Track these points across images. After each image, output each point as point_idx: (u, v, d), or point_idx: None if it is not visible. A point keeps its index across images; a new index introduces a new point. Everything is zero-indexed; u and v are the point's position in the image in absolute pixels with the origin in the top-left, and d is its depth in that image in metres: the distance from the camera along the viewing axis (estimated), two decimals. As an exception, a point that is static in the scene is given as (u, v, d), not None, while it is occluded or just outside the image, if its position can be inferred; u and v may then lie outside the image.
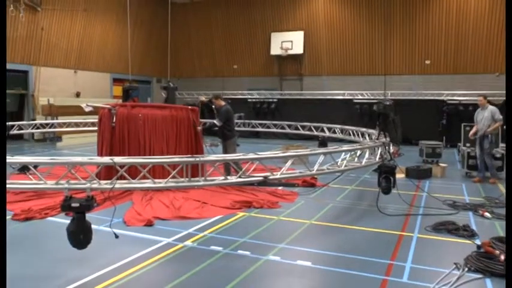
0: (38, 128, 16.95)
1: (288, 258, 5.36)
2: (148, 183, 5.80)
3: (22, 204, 7.61)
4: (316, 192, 9.23)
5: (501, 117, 10.27)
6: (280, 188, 9.37)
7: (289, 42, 24.40)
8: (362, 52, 23.52)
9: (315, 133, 15.97)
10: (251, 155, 6.51)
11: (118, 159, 5.68)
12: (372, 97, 21.24)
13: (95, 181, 5.45)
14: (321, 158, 7.04)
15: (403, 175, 10.69)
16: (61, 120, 18.08)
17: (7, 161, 5.68)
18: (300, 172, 6.91)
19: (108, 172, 7.46)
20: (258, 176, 6.41)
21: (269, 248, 5.72)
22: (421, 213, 7.57)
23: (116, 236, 5.19)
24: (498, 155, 10.65)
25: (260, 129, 18.94)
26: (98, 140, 9.78)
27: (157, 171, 7.59)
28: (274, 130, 18.38)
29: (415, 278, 4.81)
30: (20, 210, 7.24)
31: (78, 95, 22.23)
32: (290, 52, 24.41)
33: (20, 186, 5.82)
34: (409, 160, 13.04)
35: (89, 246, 4.79)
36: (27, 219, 6.96)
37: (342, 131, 14.41)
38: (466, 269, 4.96)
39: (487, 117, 10.31)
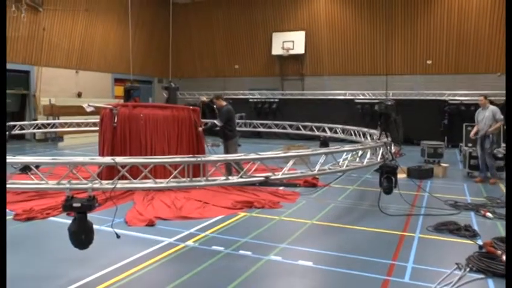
0: (39, 128, 16.98)
1: (290, 258, 5.35)
2: (149, 183, 5.81)
3: (24, 204, 7.62)
4: (317, 192, 9.22)
5: (502, 117, 10.25)
6: (281, 188, 9.36)
7: (290, 42, 24.40)
8: (363, 52, 23.51)
9: (317, 133, 15.95)
10: (252, 155, 6.51)
11: (119, 159, 5.68)
12: (373, 97, 21.22)
13: (96, 181, 5.45)
14: (323, 158, 7.03)
15: (404, 175, 10.70)
16: (62, 120, 18.11)
17: (9, 161, 5.70)
18: (302, 172, 6.90)
19: (109, 172, 7.45)
20: (260, 176, 6.41)
21: (270, 248, 5.72)
22: (422, 214, 7.56)
23: (118, 236, 5.20)
24: (500, 155, 10.63)
25: (261, 129, 18.93)
26: (99, 140, 9.79)
27: (159, 171, 7.59)
28: (276, 130, 18.37)
29: (417, 278, 4.81)
30: (22, 210, 7.26)
31: (79, 95, 22.26)
32: (291, 52, 24.41)
33: (21, 186, 5.82)
34: (410, 160, 13.03)
35: (91, 246, 4.80)
36: (28, 219, 6.97)
37: (343, 131, 14.39)
38: (468, 269, 4.95)
39: (488, 117, 10.29)
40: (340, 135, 14.49)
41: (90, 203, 4.73)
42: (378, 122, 11.62)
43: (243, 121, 19.06)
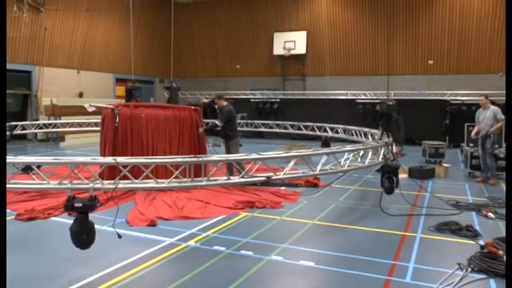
0: (41, 128, 17.00)
1: (291, 259, 5.35)
2: (151, 183, 5.81)
3: (25, 204, 7.64)
4: (318, 192, 9.22)
5: (503, 117, 10.22)
6: (283, 188, 9.36)
7: (292, 42, 24.40)
8: (365, 52, 23.50)
9: (318, 133, 15.96)
10: (254, 155, 6.51)
11: (121, 159, 5.69)
12: (374, 97, 21.22)
13: (98, 181, 5.45)
14: (324, 158, 7.03)
15: (406, 175, 10.69)
16: (64, 120, 18.13)
17: (11, 161, 5.71)
18: (303, 172, 6.90)
19: (111, 172, 7.46)
20: (261, 176, 6.41)
21: (272, 248, 5.72)
22: (424, 214, 7.55)
23: (119, 236, 5.20)
24: (501, 155, 10.61)
25: (263, 129, 18.94)
26: (100, 140, 9.80)
27: (160, 171, 7.59)
28: (277, 130, 18.37)
29: (418, 278, 4.80)
30: (23, 210, 7.27)
31: (81, 95, 22.28)
32: (293, 52, 24.40)
33: (23, 186, 5.83)
34: (412, 160, 13.02)
35: (92, 246, 4.80)
36: (30, 219, 6.98)
37: (344, 131, 14.40)
38: (470, 269, 4.95)
39: (489, 117, 10.26)
40: (342, 135, 14.50)
41: (92, 203, 4.73)
42: (380, 122, 11.60)
43: (245, 121, 19.07)
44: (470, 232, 6.33)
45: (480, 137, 10.45)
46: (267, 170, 6.67)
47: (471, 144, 11.65)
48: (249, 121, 19.23)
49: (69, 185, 5.27)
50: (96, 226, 4.85)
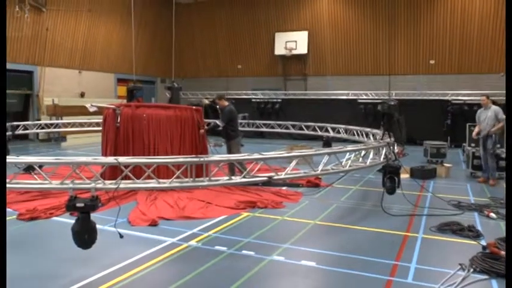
0: (42, 128, 17.01)
1: (292, 259, 5.35)
2: (152, 183, 5.81)
3: (27, 204, 7.65)
4: (320, 193, 9.21)
5: (504, 116, 10.20)
6: (284, 188, 9.36)
7: (293, 42, 24.40)
8: (366, 52, 23.49)
9: (319, 133, 15.96)
10: (255, 155, 6.51)
11: (122, 159, 5.69)
12: (376, 97, 21.21)
13: (99, 181, 5.46)
14: (326, 158, 7.03)
15: (407, 175, 10.67)
16: (66, 120, 18.15)
17: (13, 161, 5.73)
18: (305, 172, 6.90)
19: (112, 172, 7.45)
20: (263, 176, 6.41)
21: (273, 248, 5.72)
22: (425, 214, 7.54)
23: (121, 236, 5.20)
24: (503, 155, 10.58)
25: (264, 129, 18.94)
26: (102, 140, 9.80)
27: (162, 171, 7.58)
28: (279, 130, 18.37)
29: (420, 278, 4.80)
30: (25, 210, 7.27)
31: (82, 95, 22.30)
32: (294, 52, 24.41)
33: (25, 186, 5.84)
34: (413, 160, 13.01)
35: (94, 246, 4.80)
36: (32, 219, 6.99)
37: (346, 131, 14.39)
38: (472, 269, 4.94)
39: (490, 117, 10.24)
40: (343, 135, 14.49)
41: (93, 203, 4.74)
42: (381, 122, 11.59)
43: (246, 121, 19.08)
44: (472, 232, 6.32)
45: (481, 137, 10.43)
46: (269, 170, 6.67)
47: (473, 144, 11.63)
48: (251, 121, 19.24)
49: (70, 185, 5.28)
50: (97, 226, 4.86)
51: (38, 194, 8.15)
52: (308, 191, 9.28)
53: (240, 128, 11.70)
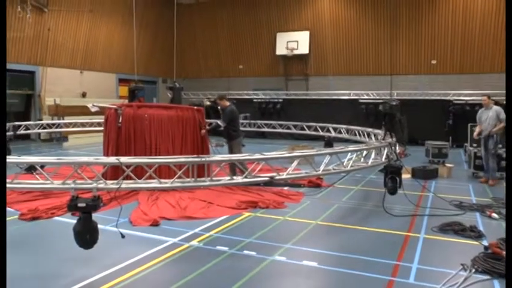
0: (44, 128, 17.04)
1: (294, 259, 5.35)
2: (154, 183, 5.81)
3: (29, 204, 7.65)
4: (321, 193, 9.21)
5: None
6: (286, 188, 9.36)
7: (294, 42, 24.39)
8: (368, 52, 23.47)
9: (321, 133, 15.95)
10: (257, 155, 6.51)
11: (124, 159, 5.70)
12: (377, 97, 21.18)
13: (101, 181, 5.46)
14: (327, 158, 7.03)
15: (409, 175, 10.63)
16: (67, 120, 18.18)
17: (14, 161, 5.74)
18: (306, 172, 6.90)
19: (114, 172, 7.48)
20: (264, 176, 6.41)
21: (275, 248, 5.72)
22: (427, 214, 7.53)
23: (122, 236, 5.20)
24: (505, 155, 10.56)
25: (266, 129, 18.93)
26: (104, 140, 9.81)
27: (163, 171, 7.59)
28: (280, 130, 18.37)
29: (422, 278, 4.79)
30: (27, 210, 7.28)
31: (84, 95, 22.33)
32: (296, 52, 24.40)
33: (26, 186, 5.85)
34: (415, 160, 13.00)
35: (95, 246, 4.81)
36: (33, 218, 6.99)
37: (347, 131, 14.38)
38: (473, 270, 4.93)
39: (491, 117, 10.21)
40: (345, 136, 14.48)
41: (95, 203, 4.74)
42: (383, 122, 11.56)
43: (247, 121, 19.09)
44: (474, 233, 6.30)
45: (483, 137, 10.40)
46: (270, 170, 6.67)
47: (474, 145, 11.61)
48: (252, 121, 19.24)
49: (72, 185, 5.28)
50: (99, 226, 4.87)
51: (39, 194, 8.15)
52: (309, 191, 9.28)
53: (242, 128, 11.70)
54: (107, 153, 9.40)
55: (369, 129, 12.51)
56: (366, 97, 21.64)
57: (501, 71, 20.03)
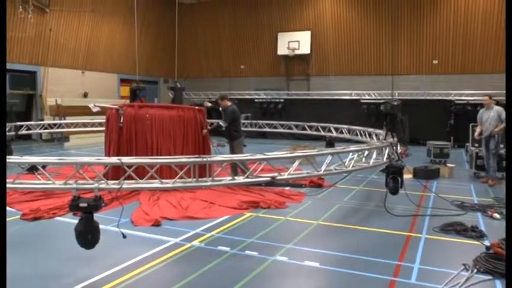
0: (46, 128, 17.06)
1: (296, 259, 5.35)
2: (155, 184, 5.82)
3: (30, 204, 7.66)
4: (323, 193, 9.20)
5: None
6: (287, 188, 9.36)
7: (296, 42, 24.37)
8: (369, 52, 23.45)
9: (322, 133, 15.94)
10: (259, 156, 6.52)
11: (126, 160, 5.70)
12: (379, 97, 21.16)
13: (102, 181, 5.47)
14: (328, 158, 7.03)
15: (410, 175, 10.65)
16: (69, 120, 18.19)
17: (16, 161, 5.75)
18: (308, 172, 6.89)
19: (115, 172, 7.48)
20: (266, 177, 6.41)
21: (276, 249, 5.72)
22: (429, 214, 7.53)
23: (124, 236, 5.21)
24: (507, 155, 10.54)
25: (267, 129, 18.93)
26: (105, 140, 9.82)
27: (165, 172, 7.60)
28: (281, 130, 18.37)
29: (423, 279, 4.79)
30: (29, 210, 7.29)
31: (85, 95, 22.34)
32: (297, 52, 24.37)
33: (28, 186, 5.86)
34: (416, 160, 12.98)
35: (97, 246, 4.82)
36: (35, 218, 7.00)
37: (349, 131, 14.37)
38: (475, 270, 4.93)
39: (493, 117, 10.18)
40: (346, 136, 14.47)
41: (97, 203, 4.75)
42: (384, 122, 11.55)
43: (249, 121, 19.07)
44: (475, 233, 6.30)
45: (484, 137, 10.38)
46: (272, 170, 6.66)
47: (476, 145, 11.59)
48: (253, 121, 19.23)
49: (74, 185, 5.30)
50: (100, 226, 4.88)
51: (41, 194, 8.16)
52: (311, 191, 9.27)
53: (243, 128, 11.69)
54: (108, 154, 9.41)
55: (371, 129, 12.50)
56: (368, 97, 21.62)
57: (503, 71, 19.86)
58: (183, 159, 6.26)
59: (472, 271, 4.90)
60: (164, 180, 5.86)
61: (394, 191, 7.59)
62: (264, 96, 23.96)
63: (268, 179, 6.39)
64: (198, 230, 6.50)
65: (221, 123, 10.02)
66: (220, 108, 10.37)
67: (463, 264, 5.04)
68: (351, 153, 7.68)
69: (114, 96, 24.11)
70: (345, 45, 23.97)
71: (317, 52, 24.55)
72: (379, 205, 7.92)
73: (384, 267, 5.12)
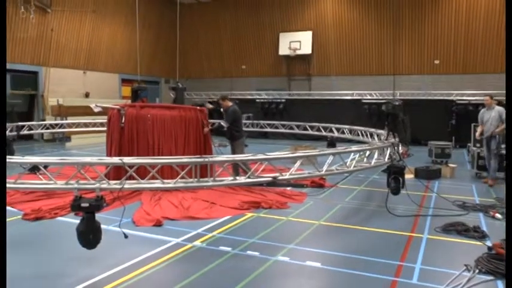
0: (47, 128, 17.07)
1: (297, 259, 5.35)
2: (157, 184, 5.82)
3: (32, 204, 7.67)
4: (324, 193, 9.20)
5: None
6: (288, 188, 9.35)
7: (297, 42, 24.37)
8: (371, 52, 23.43)
9: (324, 133, 15.95)
10: (260, 156, 6.51)
11: (127, 160, 5.71)
12: (380, 97, 21.17)
13: (104, 181, 5.47)
14: (330, 158, 7.03)
15: (412, 176, 10.65)
16: (70, 120, 18.20)
17: (18, 161, 5.75)
18: (309, 173, 6.89)
19: (117, 172, 7.48)
20: (267, 177, 6.41)
21: (278, 249, 5.71)
22: (430, 214, 7.52)
23: (125, 236, 5.21)
24: (509, 155, 10.50)
25: (268, 129, 18.94)
26: (107, 141, 9.83)
27: (166, 172, 7.60)
28: (283, 130, 18.37)
29: (425, 279, 4.78)
30: (30, 210, 7.30)
31: (87, 95, 22.37)
32: (298, 52, 24.37)
33: (30, 186, 5.87)
34: (418, 160, 12.97)
35: (99, 246, 4.82)
36: (37, 218, 7.01)
37: (350, 131, 14.37)
38: (477, 270, 4.92)
39: (494, 118, 10.16)
40: (348, 136, 14.47)
41: (98, 203, 4.75)
42: (385, 122, 11.54)
43: (250, 121, 19.09)
44: (477, 233, 6.29)
45: (485, 137, 10.36)
46: (273, 170, 6.66)
47: (478, 145, 11.58)
48: (255, 121, 19.26)
49: (75, 185, 5.29)
50: (102, 226, 4.87)
51: (43, 194, 8.17)
52: (312, 191, 9.27)
53: (244, 129, 11.68)
54: (109, 154, 9.42)
55: (372, 130, 12.50)
56: (369, 97, 21.62)
57: (504, 71, 19.94)
58: (185, 159, 6.25)
59: (474, 272, 4.89)
60: (166, 181, 5.86)
61: (396, 191, 7.58)
62: (266, 97, 23.97)
63: (270, 179, 6.39)
64: (199, 230, 6.50)
65: (223, 123, 10.02)
66: (222, 110, 10.37)
67: (465, 265, 5.03)
68: (352, 154, 7.68)
69: (116, 96, 24.12)
70: (346, 45, 23.96)
71: (318, 52, 24.54)
72: (380, 205, 7.92)
73: (385, 267, 5.12)
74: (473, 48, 21.31)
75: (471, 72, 21.39)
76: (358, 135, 13.46)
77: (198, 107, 10.23)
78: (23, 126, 15.57)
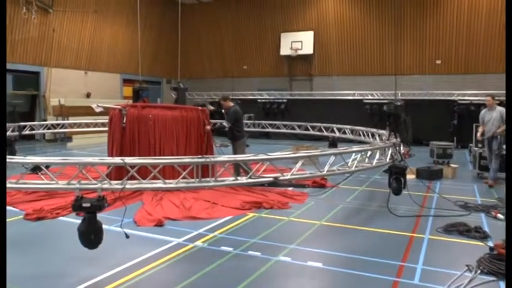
0: (49, 128, 17.10)
1: (299, 259, 5.34)
2: (158, 184, 5.82)
3: (34, 204, 7.68)
4: (326, 193, 9.19)
5: None
6: (290, 188, 9.35)
7: (299, 42, 24.37)
8: (372, 52, 23.42)
9: (325, 134, 15.94)
10: (261, 156, 6.51)
11: (129, 160, 5.71)
12: (382, 97, 21.13)
13: (105, 181, 5.48)
14: (331, 158, 7.02)
15: (413, 176, 10.64)
16: (72, 120, 18.24)
17: (20, 161, 5.76)
18: (310, 173, 6.90)
19: (118, 172, 7.47)
20: (268, 177, 6.40)
21: (279, 249, 5.71)
22: (432, 215, 7.51)
23: (127, 236, 5.21)
24: (510, 156, 10.48)
25: (270, 129, 18.94)
26: (108, 141, 9.83)
27: (168, 172, 7.58)
28: (284, 131, 18.37)
29: (427, 279, 4.78)
30: (32, 210, 7.30)
31: (88, 95, 22.40)
32: (300, 52, 24.37)
33: (32, 186, 5.87)
34: (419, 161, 12.96)
35: (100, 246, 4.82)
36: (38, 218, 7.02)
37: (352, 131, 14.36)
38: (479, 271, 4.91)
39: (495, 118, 10.14)
40: (349, 136, 14.46)
41: (100, 203, 4.75)
42: (387, 122, 11.55)
43: (252, 121, 19.09)
44: (479, 233, 6.28)
45: (486, 138, 10.34)
46: (275, 170, 6.66)
47: (479, 145, 11.56)
48: (256, 121, 19.26)
49: (77, 185, 5.30)
50: (104, 226, 4.87)
51: (44, 194, 8.18)
52: (314, 191, 9.27)
53: (246, 129, 11.68)
54: (111, 154, 9.42)
55: (373, 130, 12.49)
56: (371, 97, 21.59)
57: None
58: (186, 159, 6.26)
59: (476, 272, 4.89)
60: (167, 181, 5.86)
61: (397, 191, 7.58)
62: (267, 97, 23.97)
63: (271, 179, 6.39)
64: (200, 230, 6.50)
65: (224, 123, 10.02)
66: (223, 111, 10.37)
67: (467, 265, 5.03)
68: (353, 154, 7.67)
69: (117, 96, 24.15)
70: (347, 45, 23.95)
71: (320, 52, 24.54)
72: (382, 205, 7.91)
73: (386, 267, 5.11)
74: (475, 48, 21.27)
75: (473, 72, 21.36)
76: (360, 135, 13.46)
77: (200, 107, 10.23)
78: (24, 127, 15.59)
